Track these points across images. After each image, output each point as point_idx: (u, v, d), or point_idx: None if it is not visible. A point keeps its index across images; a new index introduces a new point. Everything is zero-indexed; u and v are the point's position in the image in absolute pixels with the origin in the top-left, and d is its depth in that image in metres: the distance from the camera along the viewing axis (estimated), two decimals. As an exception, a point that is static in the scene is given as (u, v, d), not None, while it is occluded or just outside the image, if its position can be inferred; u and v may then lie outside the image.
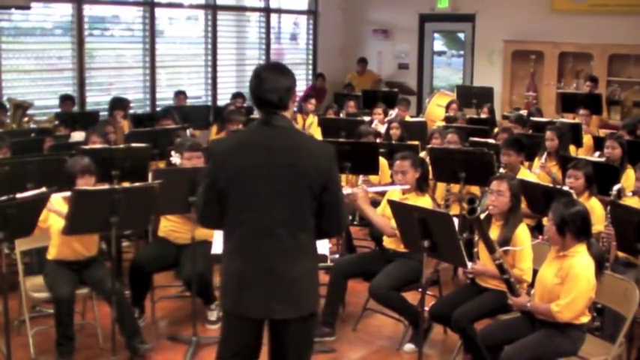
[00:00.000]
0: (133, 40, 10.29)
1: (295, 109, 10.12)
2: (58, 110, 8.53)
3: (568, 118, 8.81)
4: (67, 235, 4.50)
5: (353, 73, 12.44)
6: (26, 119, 8.14)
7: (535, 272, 4.28)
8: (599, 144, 7.19)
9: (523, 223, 4.55)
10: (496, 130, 8.08)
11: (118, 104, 8.31)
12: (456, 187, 6.35)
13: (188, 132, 7.30)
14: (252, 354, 3.23)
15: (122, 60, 10.20)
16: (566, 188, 5.22)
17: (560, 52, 10.96)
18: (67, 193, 4.46)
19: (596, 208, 5.14)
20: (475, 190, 6.32)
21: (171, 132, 6.78)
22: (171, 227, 5.30)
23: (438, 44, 13.01)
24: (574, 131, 7.49)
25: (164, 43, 10.65)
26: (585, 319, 3.95)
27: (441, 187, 6.54)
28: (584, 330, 3.97)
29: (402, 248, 4.78)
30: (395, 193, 5.21)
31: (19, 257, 4.81)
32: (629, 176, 5.85)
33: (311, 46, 12.91)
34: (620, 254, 4.94)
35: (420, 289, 4.43)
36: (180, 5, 10.89)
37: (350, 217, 5.77)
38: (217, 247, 3.79)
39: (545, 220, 4.71)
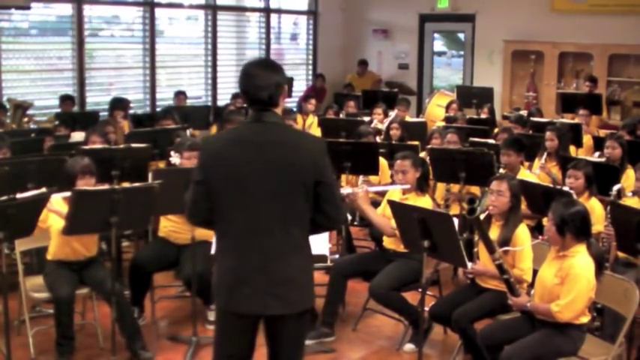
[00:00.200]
0: (133, 40, 10.29)
1: (295, 108, 10.15)
2: (58, 110, 8.54)
3: (568, 119, 8.81)
4: (67, 235, 4.50)
5: (353, 74, 12.44)
6: (26, 119, 8.14)
7: (535, 272, 4.28)
8: (599, 144, 7.19)
9: (523, 223, 4.55)
10: (496, 130, 8.08)
11: (118, 104, 8.31)
12: (455, 187, 6.35)
13: (188, 132, 7.31)
14: (247, 353, 3.23)
15: (122, 60, 10.20)
16: (566, 188, 5.22)
17: (560, 52, 10.97)
18: (67, 194, 4.46)
19: (596, 208, 5.14)
20: (475, 190, 6.32)
21: (172, 132, 6.78)
22: (171, 227, 5.30)
23: (438, 44, 13.01)
24: (574, 131, 7.49)
25: (164, 43, 10.65)
26: (585, 319, 3.95)
27: (441, 187, 6.54)
28: (584, 330, 3.97)
29: (402, 248, 4.79)
30: (395, 193, 5.21)
31: (19, 257, 4.81)
32: (629, 176, 5.85)
33: (311, 47, 12.92)
34: (620, 254, 4.94)
35: (420, 289, 4.43)
36: (180, 5, 10.90)
37: (350, 217, 5.77)
38: (217, 247, 3.78)
39: (545, 221, 4.71)
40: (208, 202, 3.09)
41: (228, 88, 11.00)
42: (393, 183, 5.31)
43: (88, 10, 9.49)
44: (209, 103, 10.94)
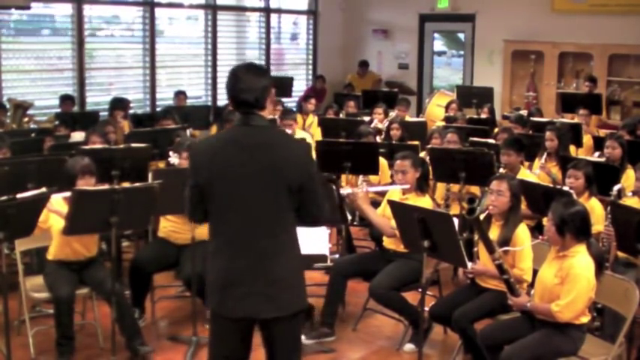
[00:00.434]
0: (133, 40, 10.30)
1: (295, 108, 10.15)
2: (58, 110, 8.54)
3: (568, 119, 8.81)
4: (67, 235, 4.50)
5: (353, 74, 12.44)
6: (26, 119, 8.15)
7: (535, 272, 4.28)
8: (599, 144, 7.18)
9: (523, 223, 4.55)
10: (496, 130, 8.07)
11: (118, 104, 8.31)
12: (455, 187, 6.35)
13: (188, 132, 7.31)
14: (241, 355, 3.24)
15: (122, 60, 10.21)
16: (566, 188, 5.21)
17: (560, 52, 10.96)
18: (68, 194, 4.46)
19: (596, 208, 5.13)
20: (475, 190, 6.32)
21: (172, 132, 6.78)
22: (171, 228, 5.30)
23: (438, 44, 13.00)
24: (574, 131, 7.49)
25: (164, 43, 10.66)
26: (585, 319, 3.95)
27: (441, 187, 6.54)
28: (584, 330, 3.97)
29: (402, 248, 4.78)
30: (395, 193, 5.21)
31: (19, 257, 4.81)
32: (629, 176, 5.85)
33: (311, 47, 12.92)
34: (620, 254, 4.94)
35: (420, 289, 4.43)
36: (180, 5, 10.90)
37: (350, 217, 5.77)
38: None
39: (545, 221, 4.71)
40: (203, 203, 3.14)
41: (228, 89, 10.97)
42: (392, 183, 5.31)
43: (88, 10, 9.49)
44: (209, 103, 10.94)
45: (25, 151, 6.12)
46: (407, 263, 4.87)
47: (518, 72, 11.48)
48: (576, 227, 3.89)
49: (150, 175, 5.55)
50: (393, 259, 5.02)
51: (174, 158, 5.35)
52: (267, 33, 11.99)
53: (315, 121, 9.12)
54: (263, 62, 11.93)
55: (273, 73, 12.04)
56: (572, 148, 7.38)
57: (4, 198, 4.05)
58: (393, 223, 4.70)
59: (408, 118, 9.21)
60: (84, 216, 4.34)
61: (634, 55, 10.49)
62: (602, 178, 5.48)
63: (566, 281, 3.85)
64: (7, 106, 8.07)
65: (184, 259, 5.07)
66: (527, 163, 6.60)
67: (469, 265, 4.37)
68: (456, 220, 4.25)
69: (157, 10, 10.30)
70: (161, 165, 6.39)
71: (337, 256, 5.74)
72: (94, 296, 4.98)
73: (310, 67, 12.94)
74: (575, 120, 8.35)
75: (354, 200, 5.06)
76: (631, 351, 4.44)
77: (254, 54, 11.86)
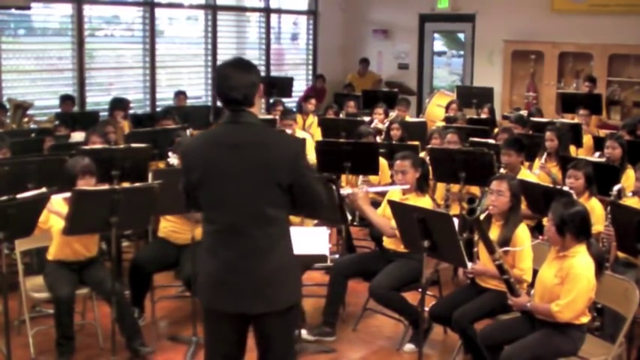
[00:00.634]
0: (133, 40, 10.29)
1: (295, 108, 10.15)
2: (58, 110, 8.54)
3: (568, 119, 8.81)
4: (67, 236, 4.50)
5: (353, 74, 12.44)
6: (26, 119, 8.15)
7: (535, 272, 4.28)
8: (599, 144, 7.18)
9: (523, 223, 4.55)
10: (496, 130, 8.08)
11: (118, 104, 8.31)
12: (455, 188, 6.35)
13: (188, 132, 7.30)
14: (235, 353, 3.24)
15: (122, 60, 10.20)
16: (566, 188, 5.21)
17: (560, 52, 10.96)
18: (68, 194, 4.46)
19: (596, 209, 5.13)
20: (475, 190, 6.32)
21: (172, 132, 6.78)
22: (171, 228, 5.30)
23: (438, 44, 13.00)
24: (574, 131, 7.49)
25: (164, 43, 10.65)
26: (585, 319, 3.95)
27: (441, 187, 6.54)
28: (584, 330, 3.97)
29: (402, 248, 4.78)
30: (395, 193, 5.21)
31: (19, 257, 4.81)
32: (629, 176, 5.85)
33: (311, 46, 12.91)
34: (620, 254, 4.94)
35: (420, 289, 4.43)
36: (180, 5, 10.90)
37: (350, 217, 5.77)
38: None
39: (545, 221, 4.71)
40: (196, 197, 3.18)
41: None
42: (392, 183, 5.31)
43: (88, 10, 9.49)
44: (209, 103, 10.93)
45: (25, 151, 6.11)
46: (407, 263, 4.87)
47: (518, 72, 11.47)
48: (576, 227, 3.89)
49: (150, 175, 5.56)
50: (393, 259, 5.02)
51: (173, 159, 5.35)
52: (267, 33, 11.99)
53: (315, 121, 9.12)
54: (263, 62, 11.95)
55: (273, 73, 12.06)
56: (572, 148, 7.38)
57: (4, 198, 4.05)
58: (393, 223, 4.70)
59: (408, 118, 9.21)
60: (84, 216, 4.34)
61: (634, 55, 10.48)
62: (602, 178, 5.48)
63: (567, 281, 3.85)
64: (7, 106, 8.07)
65: (184, 259, 5.07)
66: (527, 163, 6.60)
67: (469, 265, 4.37)
68: (455, 220, 4.25)
69: (157, 10, 10.29)
70: (161, 165, 6.39)
71: (337, 256, 5.74)
72: (94, 296, 4.98)
73: (310, 67, 12.93)
74: (575, 120, 8.35)
75: (354, 200, 5.06)
76: (631, 351, 4.44)
77: (254, 54, 11.85)
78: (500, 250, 4.11)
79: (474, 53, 12.00)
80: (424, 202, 4.97)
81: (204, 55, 11.07)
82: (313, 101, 9.78)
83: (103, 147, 6.03)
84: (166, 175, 4.92)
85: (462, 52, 12.59)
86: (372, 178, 6.61)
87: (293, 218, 4.68)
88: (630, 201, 5.09)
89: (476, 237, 4.50)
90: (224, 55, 11.20)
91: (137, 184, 4.92)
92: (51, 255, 4.81)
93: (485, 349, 4.14)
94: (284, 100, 10.00)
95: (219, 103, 10.75)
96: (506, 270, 4.04)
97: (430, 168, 5.83)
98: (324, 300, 5.16)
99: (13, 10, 8.55)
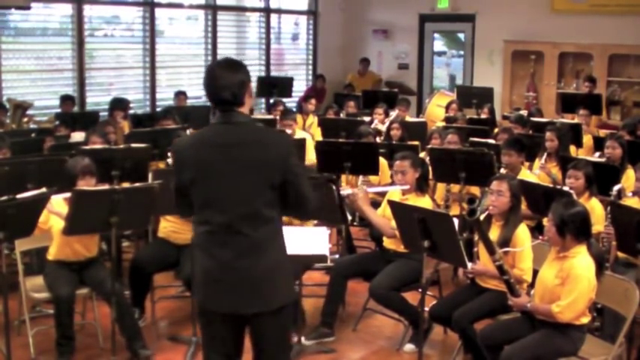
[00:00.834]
0: (133, 41, 10.29)
1: (295, 108, 10.15)
2: (58, 110, 8.53)
3: (568, 119, 8.81)
4: (67, 236, 4.50)
5: (354, 74, 12.44)
6: (26, 119, 8.15)
7: (535, 273, 4.27)
8: (599, 144, 7.18)
9: (523, 223, 4.54)
10: (496, 130, 8.07)
11: (118, 104, 8.30)
12: (456, 188, 6.35)
13: (188, 132, 7.29)
14: (233, 351, 3.24)
15: (122, 60, 10.20)
16: (566, 188, 5.21)
17: (560, 52, 10.96)
18: (68, 194, 4.46)
19: (596, 209, 5.13)
20: (475, 190, 6.32)
21: (172, 132, 6.77)
22: (171, 228, 5.30)
23: (438, 44, 13.00)
24: (574, 131, 7.49)
25: (164, 43, 10.65)
26: (585, 319, 3.95)
27: (441, 187, 6.53)
28: (584, 330, 3.97)
29: (402, 248, 4.78)
30: (395, 193, 5.21)
31: (19, 257, 4.81)
32: (629, 176, 5.85)
33: (311, 47, 12.91)
34: (620, 254, 4.94)
35: (420, 289, 4.43)
36: (180, 5, 10.90)
37: (350, 217, 5.77)
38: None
39: (545, 221, 4.71)
40: (189, 198, 3.16)
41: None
42: (392, 183, 5.30)
43: (88, 10, 9.49)
44: (209, 104, 10.88)
45: (25, 151, 6.11)
46: (407, 263, 4.87)
47: (518, 72, 11.48)
48: (577, 228, 3.88)
49: (150, 175, 5.56)
50: (393, 260, 5.02)
51: (172, 159, 5.34)
52: (267, 33, 11.99)
53: (315, 121, 9.12)
54: (263, 62, 11.95)
55: (273, 73, 12.06)
56: (572, 149, 7.38)
57: (4, 198, 4.05)
58: (393, 223, 4.70)
59: (408, 119, 9.21)
60: (84, 216, 4.34)
61: (634, 55, 10.49)
62: (602, 179, 5.48)
63: (567, 282, 3.85)
64: (7, 106, 8.07)
65: (184, 259, 5.07)
66: (527, 164, 6.60)
67: (469, 265, 4.37)
68: (456, 221, 4.25)
69: (157, 11, 10.29)
70: (161, 165, 6.38)
71: (337, 256, 5.74)
72: (94, 296, 4.98)
73: (310, 67, 12.93)
74: (575, 120, 8.35)
75: (354, 201, 5.06)
76: (631, 351, 4.44)
77: (254, 54, 11.86)
78: (501, 251, 4.11)
79: (473, 53, 12.00)
80: (424, 202, 4.97)
81: (204, 55, 11.07)
82: (313, 101, 9.78)
83: (103, 147, 6.03)
84: (166, 175, 4.92)
85: (462, 52, 12.59)
86: (372, 178, 6.60)
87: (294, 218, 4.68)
88: (630, 201, 5.09)
89: (476, 237, 4.50)
90: (224, 55, 11.16)
91: (137, 184, 4.92)
92: (51, 255, 4.81)
93: (485, 349, 4.13)
94: (284, 100, 10.00)
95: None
96: (506, 271, 4.04)
97: (430, 168, 5.83)
98: (323, 300, 5.16)
99: (13, 10, 8.54)
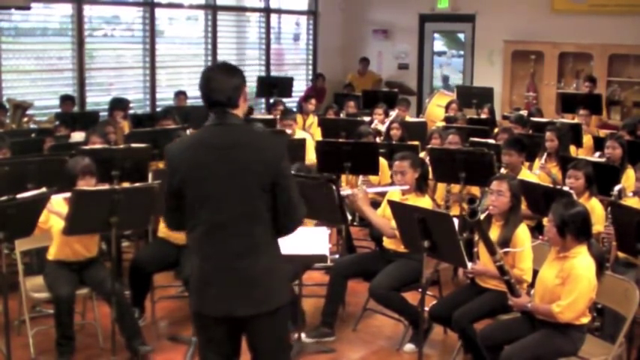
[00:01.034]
0: (133, 41, 10.29)
1: (295, 108, 10.14)
2: (58, 110, 8.53)
3: (568, 119, 8.81)
4: (67, 236, 4.50)
5: (353, 74, 12.44)
6: (26, 119, 8.14)
7: (535, 273, 4.27)
8: (599, 144, 7.18)
9: (523, 223, 4.54)
10: (496, 130, 8.08)
11: (118, 104, 8.31)
12: (456, 188, 6.35)
13: (188, 132, 7.29)
14: (230, 352, 3.24)
15: (122, 60, 10.20)
16: (566, 188, 5.21)
17: (560, 52, 10.96)
18: (68, 194, 4.46)
19: (596, 209, 5.13)
20: (475, 190, 6.31)
21: (172, 132, 6.77)
22: (171, 227, 5.29)
23: (438, 44, 13.00)
24: (574, 131, 7.49)
25: (164, 43, 10.65)
26: (585, 319, 3.95)
27: (441, 187, 6.53)
28: (584, 330, 3.97)
29: (402, 248, 4.78)
30: (395, 193, 5.21)
31: (19, 257, 4.81)
32: (629, 176, 5.85)
33: (311, 46, 12.91)
34: (621, 254, 4.94)
35: (420, 289, 4.43)
36: (180, 5, 10.90)
37: (350, 218, 5.77)
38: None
39: (545, 221, 4.71)
40: (180, 207, 3.13)
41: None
42: (392, 183, 5.30)
43: (88, 10, 9.49)
44: (208, 104, 10.90)
45: (25, 151, 6.11)
46: (407, 263, 4.87)
47: (518, 72, 11.48)
48: (577, 228, 3.88)
49: (150, 175, 5.56)
50: (393, 260, 5.02)
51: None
52: (267, 33, 11.99)
53: (315, 121, 9.12)
54: (263, 62, 11.94)
55: (273, 73, 12.06)
56: (572, 149, 7.38)
57: (4, 198, 4.05)
58: (393, 223, 4.70)
59: (408, 119, 9.21)
60: (84, 216, 4.34)
61: (634, 55, 10.49)
62: (602, 179, 5.48)
63: (568, 282, 3.85)
64: (7, 106, 8.07)
65: (184, 259, 5.06)
66: (527, 164, 6.60)
67: (469, 265, 4.37)
68: (456, 221, 4.25)
69: (157, 11, 10.29)
70: (161, 165, 6.38)
71: (337, 256, 5.74)
72: (94, 296, 4.98)
73: (310, 67, 12.93)
74: (576, 120, 8.35)
75: (354, 201, 5.06)
76: (631, 351, 4.44)
77: (254, 54, 11.86)
78: (501, 251, 4.11)
79: (473, 53, 12.00)
80: (424, 202, 4.97)
81: (204, 55, 11.07)
82: (313, 101, 9.78)
83: (103, 147, 6.03)
84: (166, 175, 4.91)
85: (462, 52, 12.59)
86: (372, 178, 6.60)
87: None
88: (630, 201, 5.09)
89: (476, 237, 4.50)
90: (224, 55, 11.20)
91: (137, 184, 4.92)
92: (51, 255, 4.81)
93: (485, 349, 4.13)
94: (284, 100, 10.00)
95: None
96: (506, 271, 4.04)
97: (430, 168, 5.82)
98: (323, 300, 5.16)
99: (13, 10, 8.54)
